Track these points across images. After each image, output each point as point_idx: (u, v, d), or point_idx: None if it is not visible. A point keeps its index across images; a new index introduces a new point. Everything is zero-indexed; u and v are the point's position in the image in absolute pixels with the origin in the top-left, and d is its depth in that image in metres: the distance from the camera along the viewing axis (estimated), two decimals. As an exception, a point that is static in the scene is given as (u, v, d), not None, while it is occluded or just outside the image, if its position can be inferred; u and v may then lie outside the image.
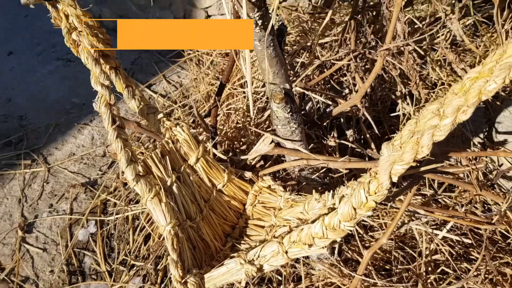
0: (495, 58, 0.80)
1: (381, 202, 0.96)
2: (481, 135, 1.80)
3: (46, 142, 2.41)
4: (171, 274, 1.09)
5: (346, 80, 2.08)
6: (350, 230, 0.96)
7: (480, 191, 1.28)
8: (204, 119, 1.67)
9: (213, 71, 2.55)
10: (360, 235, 1.70)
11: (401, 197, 1.64)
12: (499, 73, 0.77)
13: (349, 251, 1.71)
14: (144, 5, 3.03)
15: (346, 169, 1.56)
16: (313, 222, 0.99)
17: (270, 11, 1.15)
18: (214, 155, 1.46)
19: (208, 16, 2.85)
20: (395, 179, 0.89)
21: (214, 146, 1.68)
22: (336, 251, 1.61)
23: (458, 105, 0.81)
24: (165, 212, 1.11)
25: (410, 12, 2.07)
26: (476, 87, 0.80)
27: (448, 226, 1.54)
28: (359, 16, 1.89)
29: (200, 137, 1.37)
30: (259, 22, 1.14)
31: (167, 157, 1.22)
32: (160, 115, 1.25)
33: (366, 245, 1.70)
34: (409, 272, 1.50)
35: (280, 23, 1.40)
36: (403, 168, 0.87)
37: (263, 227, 1.31)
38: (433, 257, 1.53)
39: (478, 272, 1.43)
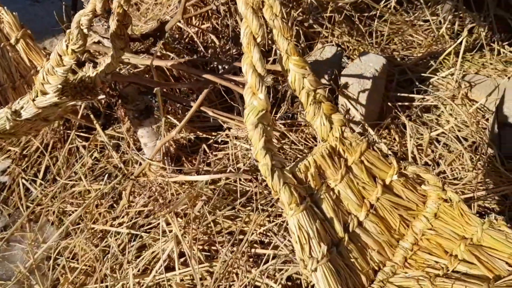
0: None
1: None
2: (327, 77, 1.93)
3: None
4: None
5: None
6: (64, 75, 1.18)
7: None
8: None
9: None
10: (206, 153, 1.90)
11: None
12: None
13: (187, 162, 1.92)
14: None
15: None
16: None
17: None
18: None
19: None
20: (84, 30, 1.11)
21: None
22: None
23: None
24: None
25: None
26: None
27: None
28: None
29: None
30: None
31: (-14, 31, 1.50)
32: (-9, -1, 1.53)
33: (204, 159, 1.90)
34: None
35: None
36: (86, 19, 1.09)
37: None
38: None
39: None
